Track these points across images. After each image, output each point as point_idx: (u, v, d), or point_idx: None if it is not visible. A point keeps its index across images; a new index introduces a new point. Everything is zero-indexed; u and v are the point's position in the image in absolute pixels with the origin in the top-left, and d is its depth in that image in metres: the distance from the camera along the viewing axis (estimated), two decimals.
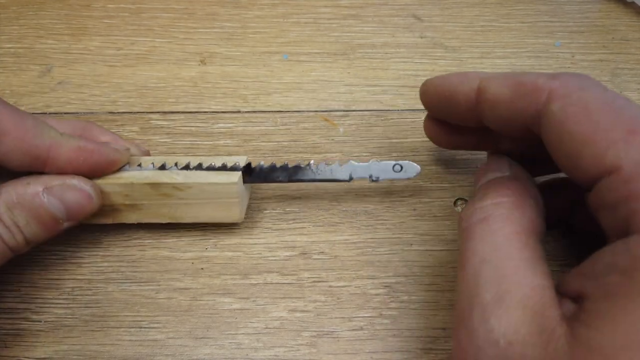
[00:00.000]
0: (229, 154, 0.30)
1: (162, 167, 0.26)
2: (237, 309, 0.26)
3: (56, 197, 0.23)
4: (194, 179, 0.25)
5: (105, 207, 0.25)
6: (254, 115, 0.31)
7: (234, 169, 0.26)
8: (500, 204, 0.20)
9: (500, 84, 0.21)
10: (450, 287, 0.26)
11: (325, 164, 0.27)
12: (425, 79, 0.32)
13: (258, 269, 0.27)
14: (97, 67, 0.33)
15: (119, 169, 0.25)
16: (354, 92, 0.32)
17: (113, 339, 0.25)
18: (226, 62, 0.33)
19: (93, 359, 0.25)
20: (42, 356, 0.25)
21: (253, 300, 0.26)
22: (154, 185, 0.25)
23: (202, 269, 0.27)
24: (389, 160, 0.27)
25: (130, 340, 0.25)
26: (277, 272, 0.27)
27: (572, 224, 0.25)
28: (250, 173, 0.26)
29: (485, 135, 0.24)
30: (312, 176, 0.26)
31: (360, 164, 0.27)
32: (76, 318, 0.26)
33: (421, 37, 0.34)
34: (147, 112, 0.31)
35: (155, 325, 0.25)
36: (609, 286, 0.16)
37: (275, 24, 0.35)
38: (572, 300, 0.18)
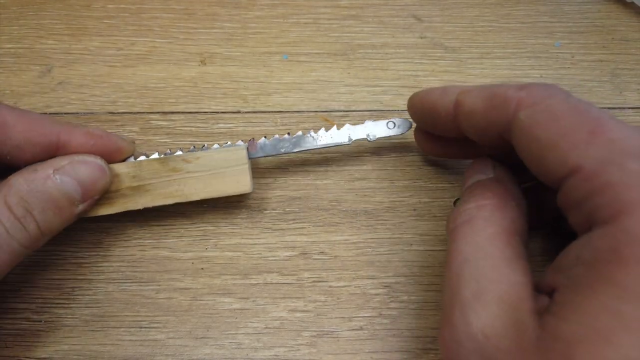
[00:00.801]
0: None
1: (168, 154, 0.27)
2: (237, 309, 0.26)
3: (68, 175, 0.23)
4: (199, 151, 0.26)
5: (111, 194, 0.25)
6: (254, 115, 0.31)
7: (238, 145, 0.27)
8: (483, 206, 0.21)
9: (474, 96, 0.22)
10: None
11: (325, 130, 0.28)
12: (425, 79, 0.33)
13: (258, 269, 0.27)
14: (97, 67, 0.33)
15: (125, 159, 0.26)
16: (354, 92, 0.32)
17: (113, 339, 0.25)
18: (226, 63, 0.33)
19: (93, 358, 0.25)
20: (43, 356, 0.25)
21: (253, 300, 0.26)
22: (163, 161, 0.26)
23: (202, 269, 0.27)
24: (384, 120, 0.28)
25: (130, 340, 0.25)
26: (277, 272, 0.27)
27: (560, 225, 0.26)
28: (254, 148, 0.27)
29: (467, 145, 0.25)
30: (313, 143, 0.28)
31: (357, 125, 0.28)
32: (76, 318, 0.26)
33: (421, 38, 0.34)
34: (147, 113, 0.32)
35: (156, 325, 0.25)
36: (575, 278, 0.17)
37: (275, 24, 0.35)
38: (548, 295, 0.18)
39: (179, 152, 0.26)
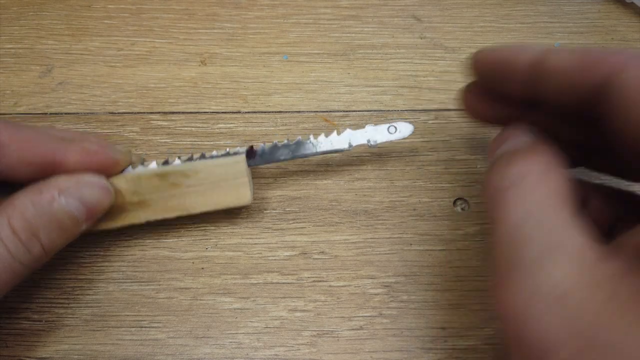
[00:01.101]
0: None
1: (166, 163, 0.26)
2: (238, 309, 0.26)
3: (74, 197, 0.22)
4: (200, 164, 0.26)
5: (113, 209, 0.25)
6: (254, 115, 0.31)
7: (236, 153, 0.26)
8: (532, 166, 0.20)
9: (562, 55, 0.20)
10: (450, 287, 0.26)
11: (325, 135, 0.27)
12: (425, 79, 0.33)
13: (258, 269, 0.27)
14: (98, 67, 0.33)
15: (123, 170, 0.26)
16: (354, 92, 0.32)
17: (114, 338, 0.25)
18: (226, 63, 0.33)
19: (94, 358, 0.25)
20: (43, 356, 0.25)
21: (253, 300, 0.26)
22: (162, 176, 0.25)
23: (202, 268, 0.27)
24: (384, 124, 0.28)
25: (130, 339, 0.25)
26: (277, 271, 0.27)
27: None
28: (253, 156, 0.27)
29: (526, 109, 0.24)
30: (313, 150, 0.27)
31: (358, 130, 0.28)
32: (77, 317, 0.26)
33: (421, 38, 0.34)
34: (148, 113, 0.32)
35: (156, 324, 0.25)
36: None
37: (276, 24, 0.35)
38: (632, 255, 0.17)
39: (177, 161, 0.26)
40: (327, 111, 0.32)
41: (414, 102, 0.32)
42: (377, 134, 0.28)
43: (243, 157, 0.26)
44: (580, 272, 0.17)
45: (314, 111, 0.32)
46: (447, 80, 0.33)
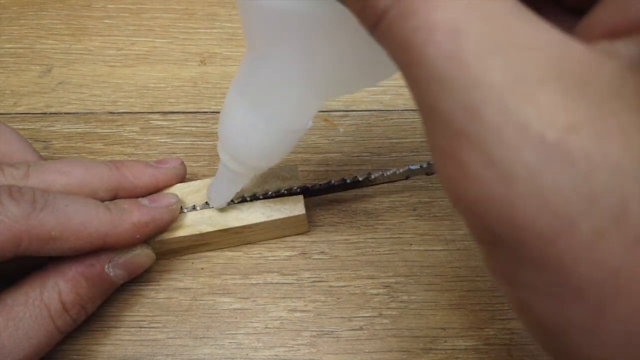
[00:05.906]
0: None
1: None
2: (237, 309, 0.26)
3: (122, 268, 0.23)
4: (260, 215, 0.26)
5: (175, 248, 0.26)
6: None
7: (292, 193, 0.26)
8: None
9: None
10: (450, 287, 0.26)
11: (383, 173, 0.27)
12: None
13: (258, 269, 0.27)
14: (98, 67, 0.33)
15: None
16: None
17: (113, 338, 0.25)
18: (226, 63, 0.33)
19: (93, 358, 0.25)
20: (42, 356, 0.25)
21: (253, 300, 0.26)
22: (224, 230, 0.26)
23: (202, 268, 0.27)
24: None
25: (130, 340, 0.25)
26: (277, 272, 0.27)
27: None
28: (308, 194, 0.27)
29: None
30: (369, 184, 0.27)
31: (417, 166, 0.27)
32: None
33: None
34: (147, 112, 0.32)
35: (156, 325, 0.25)
36: None
37: None
38: (623, 44, 0.12)
39: (231, 204, 0.26)
40: (327, 111, 0.32)
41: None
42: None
43: (302, 205, 0.26)
44: (574, 95, 0.11)
45: None
46: None
